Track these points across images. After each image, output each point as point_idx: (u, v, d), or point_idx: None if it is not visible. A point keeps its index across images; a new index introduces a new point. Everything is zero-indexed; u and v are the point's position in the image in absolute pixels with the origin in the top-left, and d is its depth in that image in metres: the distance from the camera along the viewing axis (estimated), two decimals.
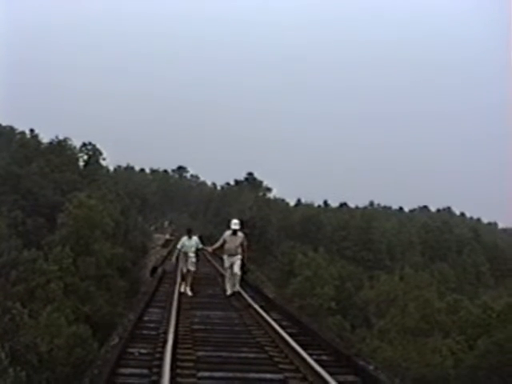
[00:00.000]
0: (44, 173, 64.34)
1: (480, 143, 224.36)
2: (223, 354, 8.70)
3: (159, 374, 6.77)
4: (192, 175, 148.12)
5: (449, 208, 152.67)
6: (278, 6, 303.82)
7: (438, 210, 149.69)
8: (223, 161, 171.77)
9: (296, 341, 8.73)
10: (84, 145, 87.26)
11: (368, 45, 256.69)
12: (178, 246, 17.11)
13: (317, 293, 48.68)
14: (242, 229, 15.49)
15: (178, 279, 17.13)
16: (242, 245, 15.08)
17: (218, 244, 15.72)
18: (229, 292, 15.36)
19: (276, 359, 8.35)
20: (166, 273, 23.09)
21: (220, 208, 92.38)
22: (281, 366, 7.97)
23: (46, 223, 54.53)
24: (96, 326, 30.05)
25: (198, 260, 16.87)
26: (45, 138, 78.57)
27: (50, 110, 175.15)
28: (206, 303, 14.87)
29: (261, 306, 13.01)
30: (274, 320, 10.99)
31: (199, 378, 7.16)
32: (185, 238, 16.81)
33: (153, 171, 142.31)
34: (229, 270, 15.26)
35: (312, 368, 7.11)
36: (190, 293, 16.10)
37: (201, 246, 17.01)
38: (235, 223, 15.22)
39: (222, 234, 16.01)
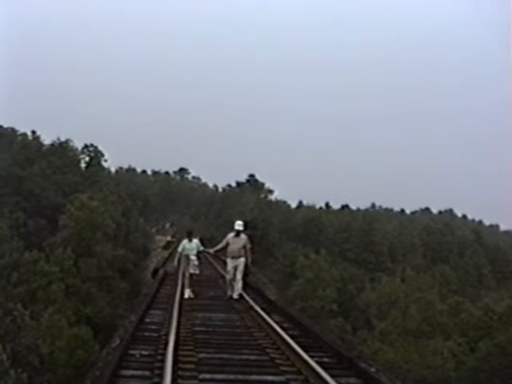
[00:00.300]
0: (46, 174, 64.33)
1: (480, 143, 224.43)
2: (225, 355, 8.68)
3: (161, 376, 6.77)
4: (194, 177, 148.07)
5: (450, 210, 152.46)
6: (278, 5, 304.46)
7: (440, 212, 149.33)
8: (225, 162, 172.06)
9: (297, 343, 8.71)
10: (86, 146, 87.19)
11: (368, 45, 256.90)
12: (179, 250, 16.96)
13: (318, 295, 48.74)
14: (245, 230, 15.46)
15: (180, 282, 17.08)
16: (244, 247, 15.06)
17: (220, 245, 15.68)
18: (232, 295, 15.28)
19: (277, 361, 8.33)
20: (167, 274, 23.10)
21: (221, 210, 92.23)
22: (282, 368, 7.95)
23: (48, 225, 54.56)
24: (97, 328, 30.12)
25: (200, 263, 16.82)
26: (46, 139, 78.58)
27: (52, 111, 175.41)
28: (208, 305, 14.83)
29: (262, 308, 12.96)
30: (276, 322, 10.95)
31: (201, 380, 7.15)
32: (185, 241, 16.69)
33: (154, 173, 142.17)
34: (231, 272, 15.15)
35: (314, 370, 7.08)
36: (191, 295, 16.06)
37: (202, 248, 16.94)
38: (239, 224, 15.19)
39: (223, 235, 15.96)
